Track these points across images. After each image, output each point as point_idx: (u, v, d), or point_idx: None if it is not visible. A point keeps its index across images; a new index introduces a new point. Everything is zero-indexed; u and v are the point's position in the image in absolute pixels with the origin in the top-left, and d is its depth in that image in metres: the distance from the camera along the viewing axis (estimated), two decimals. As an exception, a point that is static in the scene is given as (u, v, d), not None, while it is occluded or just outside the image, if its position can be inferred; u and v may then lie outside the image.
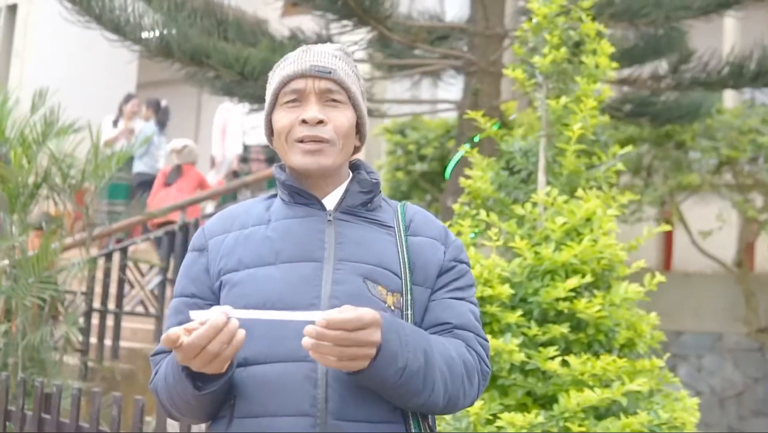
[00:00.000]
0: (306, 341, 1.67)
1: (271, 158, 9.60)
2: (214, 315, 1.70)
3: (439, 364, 1.83)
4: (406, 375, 1.76)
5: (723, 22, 9.37)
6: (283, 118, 1.97)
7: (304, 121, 1.94)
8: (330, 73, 1.96)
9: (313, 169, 1.96)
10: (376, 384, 1.78)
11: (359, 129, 2.04)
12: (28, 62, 11.30)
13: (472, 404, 1.96)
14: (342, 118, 1.97)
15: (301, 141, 1.94)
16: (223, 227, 2.02)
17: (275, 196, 2.07)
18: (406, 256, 1.95)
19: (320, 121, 1.94)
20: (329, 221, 1.96)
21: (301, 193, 1.98)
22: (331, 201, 1.99)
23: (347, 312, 1.68)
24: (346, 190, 2.00)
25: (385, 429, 1.84)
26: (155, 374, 1.96)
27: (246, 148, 9.78)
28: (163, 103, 10.83)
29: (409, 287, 1.92)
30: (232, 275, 1.93)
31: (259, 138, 9.68)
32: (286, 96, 1.97)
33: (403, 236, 1.98)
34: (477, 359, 1.95)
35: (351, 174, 2.06)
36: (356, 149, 2.06)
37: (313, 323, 1.67)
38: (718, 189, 8.38)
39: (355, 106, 2.01)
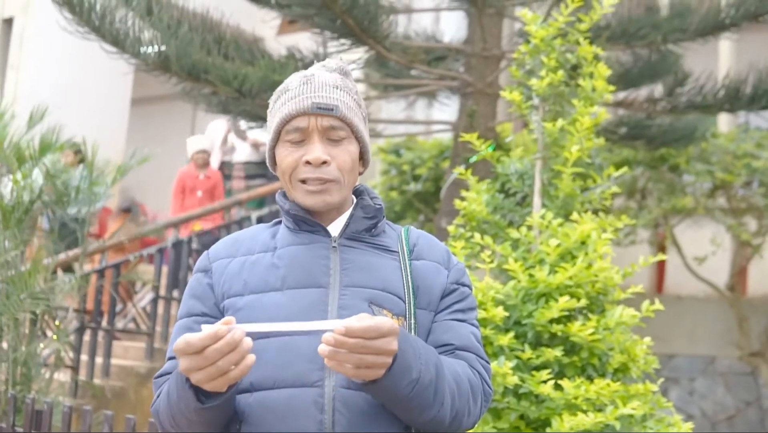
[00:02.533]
0: (323, 348, 1.67)
1: (252, 175, 9.60)
2: (232, 331, 1.67)
3: (448, 379, 1.84)
4: (418, 387, 1.76)
5: (719, 44, 9.42)
6: (287, 156, 1.97)
7: (308, 162, 1.94)
8: (332, 110, 1.95)
9: (319, 208, 1.97)
10: (388, 396, 1.77)
11: (362, 156, 2.04)
12: (23, 75, 11.28)
13: (473, 426, 1.95)
14: (345, 155, 1.96)
15: (305, 182, 1.95)
16: (228, 251, 2.02)
17: (280, 222, 2.07)
18: (410, 280, 1.95)
19: (324, 162, 1.94)
20: (334, 247, 1.96)
21: (306, 220, 1.98)
22: (335, 228, 2.00)
23: (366, 320, 1.67)
24: (351, 216, 2.00)
25: None
26: (158, 396, 1.94)
27: (228, 165, 9.79)
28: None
29: (413, 311, 1.93)
30: (237, 300, 1.93)
31: (240, 156, 9.68)
32: (289, 134, 1.97)
33: (407, 260, 1.99)
34: (479, 379, 1.95)
35: (354, 199, 2.06)
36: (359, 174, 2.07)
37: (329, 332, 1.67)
38: (711, 213, 8.40)
39: (358, 138, 2.01)
